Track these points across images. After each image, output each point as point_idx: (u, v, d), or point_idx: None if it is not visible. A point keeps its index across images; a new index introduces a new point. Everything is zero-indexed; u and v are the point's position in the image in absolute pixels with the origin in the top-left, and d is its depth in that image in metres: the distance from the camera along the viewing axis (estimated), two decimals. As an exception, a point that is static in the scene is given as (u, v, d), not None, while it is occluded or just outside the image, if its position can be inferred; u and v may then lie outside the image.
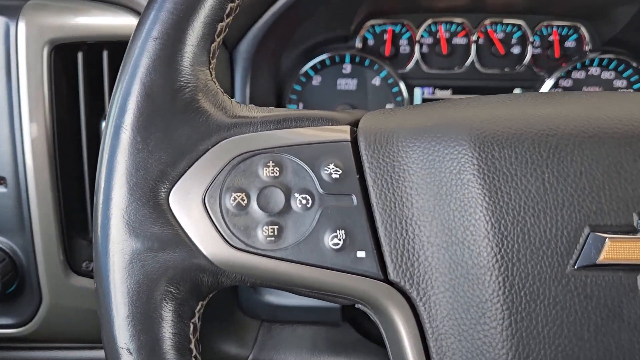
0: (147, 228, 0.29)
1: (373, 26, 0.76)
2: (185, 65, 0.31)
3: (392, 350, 0.31)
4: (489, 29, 0.76)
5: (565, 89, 0.77)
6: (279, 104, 0.76)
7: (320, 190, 0.31)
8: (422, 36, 0.76)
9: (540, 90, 0.75)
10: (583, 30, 0.75)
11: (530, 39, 0.75)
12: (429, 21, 0.75)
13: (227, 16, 0.32)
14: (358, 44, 0.76)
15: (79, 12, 0.54)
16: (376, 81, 0.77)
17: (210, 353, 0.65)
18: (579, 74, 0.76)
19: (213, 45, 0.32)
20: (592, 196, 0.28)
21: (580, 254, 0.28)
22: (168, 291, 0.29)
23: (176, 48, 0.30)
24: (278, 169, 0.31)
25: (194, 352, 0.30)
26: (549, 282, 0.28)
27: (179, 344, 0.29)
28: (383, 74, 0.76)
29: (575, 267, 0.28)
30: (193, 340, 0.30)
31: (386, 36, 0.76)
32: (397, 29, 0.76)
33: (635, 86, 0.76)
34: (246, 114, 0.32)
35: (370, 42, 0.77)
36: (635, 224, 0.28)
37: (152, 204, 0.30)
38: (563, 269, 0.28)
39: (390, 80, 0.76)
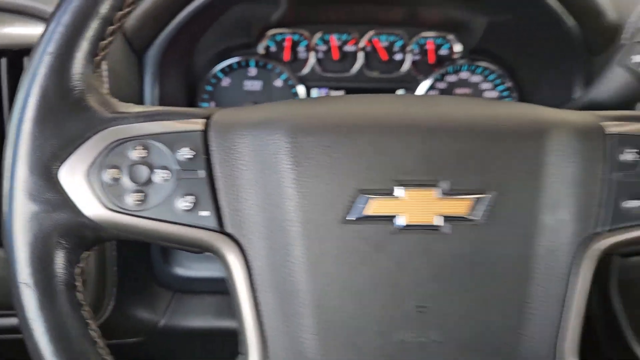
0: (42, 195, 0.39)
1: (274, 35, 0.87)
2: (75, 73, 0.41)
3: (229, 285, 0.42)
4: (373, 39, 0.88)
5: (441, 90, 0.90)
6: (192, 103, 0.86)
7: (177, 167, 0.41)
8: (316, 44, 0.88)
9: (417, 91, 0.88)
10: (452, 41, 0.88)
11: (409, 48, 0.88)
12: (321, 32, 0.87)
13: (109, 36, 0.42)
14: (261, 50, 0.87)
15: (4, 23, 0.63)
16: (278, 83, 0.88)
17: (126, 319, 0.75)
18: (452, 78, 0.90)
19: (96, 58, 0.42)
20: (363, 169, 0.40)
21: (351, 209, 0.40)
22: (59, 242, 0.40)
23: (67, 61, 0.41)
24: (146, 151, 0.42)
25: (78, 287, 0.40)
26: (332, 229, 0.40)
27: (66, 281, 0.40)
28: (283, 76, 0.88)
29: (350, 218, 0.40)
30: (79, 280, 0.41)
31: (285, 44, 0.87)
32: (296, 37, 0.88)
33: (499, 88, 0.90)
34: (124, 110, 0.43)
35: (273, 48, 0.88)
36: (390, 188, 0.40)
37: (46, 177, 0.40)
38: (342, 220, 0.40)
39: (290, 82, 0.88)
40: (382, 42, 0.89)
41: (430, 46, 0.89)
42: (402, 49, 0.89)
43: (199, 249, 0.43)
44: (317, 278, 0.40)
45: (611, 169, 0.43)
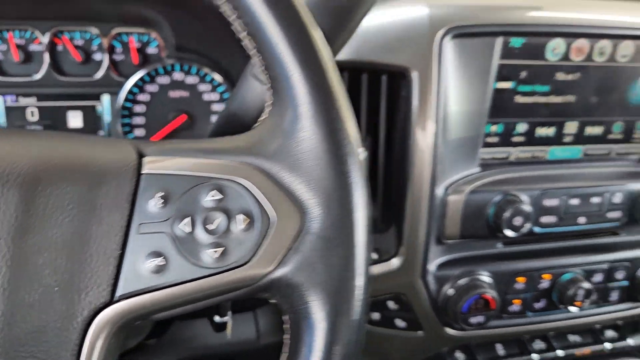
0: None
1: None
2: None
3: None
4: (63, 36, 0.76)
5: (151, 93, 0.80)
6: None
7: None
8: (-8, 43, 0.74)
9: (121, 93, 0.77)
10: (158, 38, 0.78)
11: (106, 46, 0.77)
12: (-4, 28, 0.73)
13: None
14: None
15: None
16: (-51, 90, 0.74)
17: None
18: (164, 79, 0.80)
19: None
20: None
21: None
22: None
23: None
24: None
25: None
26: None
27: None
28: (-46, 82, 0.73)
29: None
30: None
31: (-49, 43, 0.73)
32: (-34, 35, 0.73)
33: (219, 89, 0.81)
34: None
35: (-63, 48, 0.73)
36: None
37: None
38: None
39: (-37, 89, 0.74)
40: (76, 40, 0.77)
41: (132, 44, 0.78)
42: (101, 48, 0.78)
43: None
44: None
45: (140, 219, 0.36)
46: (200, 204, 0.36)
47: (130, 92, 0.79)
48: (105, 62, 0.78)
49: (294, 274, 0.36)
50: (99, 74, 0.78)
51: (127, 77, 0.79)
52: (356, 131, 0.38)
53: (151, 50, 0.80)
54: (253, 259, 0.36)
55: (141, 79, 0.79)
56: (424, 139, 0.66)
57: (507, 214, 0.69)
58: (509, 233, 0.70)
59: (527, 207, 0.70)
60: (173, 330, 0.77)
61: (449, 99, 0.67)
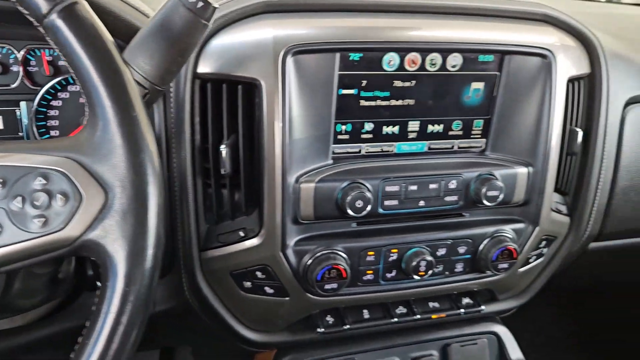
0: None
1: None
2: None
3: None
4: (-17, 52, 0.90)
5: (63, 99, 0.94)
6: None
7: None
8: None
9: (35, 100, 0.91)
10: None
11: (21, 59, 0.91)
12: None
13: None
14: None
15: None
16: None
17: None
18: (74, 87, 0.94)
19: None
20: None
21: None
22: None
23: None
24: None
25: None
26: None
27: None
28: None
29: None
30: None
31: None
32: None
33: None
34: None
35: None
36: None
37: None
38: None
39: None
40: (-7, 55, 0.91)
41: (44, 57, 0.92)
42: (17, 61, 0.91)
43: None
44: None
45: None
46: (29, 187, 0.51)
47: (44, 98, 0.92)
48: (21, 73, 0.91)
49: (99, 236, 0.51)
50: (16, 84, 0.92)
51: (42, 86, 0.92)
52: (150, 133, 0.52)
53: (62, 62, 0.94)
54: (67, 226, 0.50)
55: (53, 87, 0.92)
56: (273, 137, 0.80)
57: (349, 198, 0.84)
58: (352, 214, 0.85)
59: (368, 193, 0.85)
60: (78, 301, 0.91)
61: (295, 104, 0.81)
